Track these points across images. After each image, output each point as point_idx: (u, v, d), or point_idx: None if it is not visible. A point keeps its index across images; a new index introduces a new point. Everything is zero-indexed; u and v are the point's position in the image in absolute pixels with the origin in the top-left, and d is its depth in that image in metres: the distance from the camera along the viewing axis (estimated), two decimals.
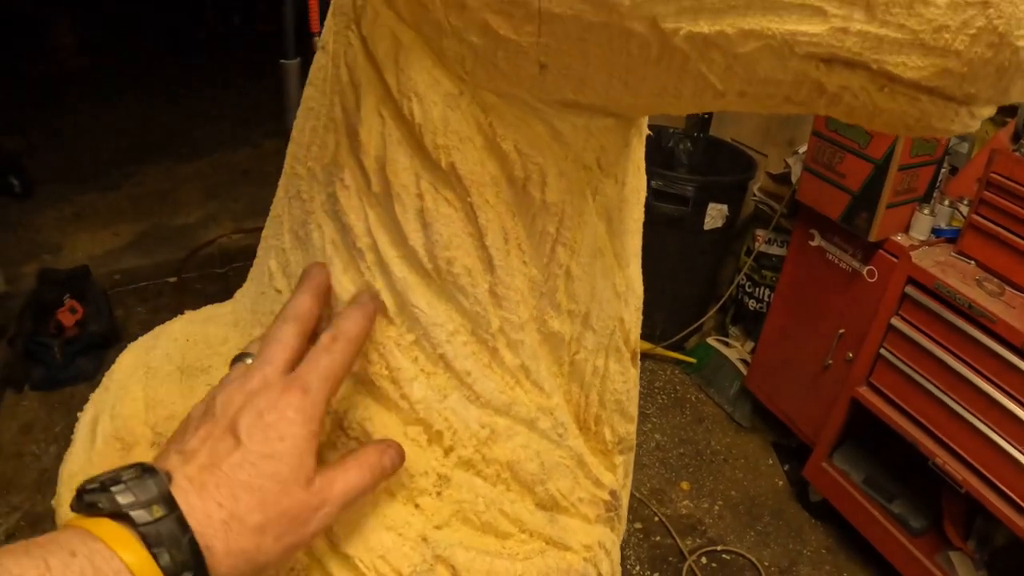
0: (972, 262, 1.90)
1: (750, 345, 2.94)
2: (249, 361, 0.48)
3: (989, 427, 1.76)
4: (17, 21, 7.66)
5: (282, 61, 1.92)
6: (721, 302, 3.00)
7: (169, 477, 0.40)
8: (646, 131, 0.58)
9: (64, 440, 2.55)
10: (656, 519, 2.37)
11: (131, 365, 0.61)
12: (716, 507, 2.45)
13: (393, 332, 0.50)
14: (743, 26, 0.36)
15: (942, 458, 1.86)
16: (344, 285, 0.51)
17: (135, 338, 0.65)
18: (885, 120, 0.38)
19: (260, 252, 0.60)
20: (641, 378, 3.11)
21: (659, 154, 3.23)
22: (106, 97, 6.27)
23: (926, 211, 1.99)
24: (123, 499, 0.38)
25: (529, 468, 0.53)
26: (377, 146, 0.48)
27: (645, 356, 3.12)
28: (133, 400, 0.57)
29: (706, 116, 3.27)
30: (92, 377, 2.80)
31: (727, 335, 3.14)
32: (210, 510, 0.40)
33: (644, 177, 0.60)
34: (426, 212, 0.47)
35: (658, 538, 2.32)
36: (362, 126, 0.48)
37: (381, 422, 0.50)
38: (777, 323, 2.53)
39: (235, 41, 7.59)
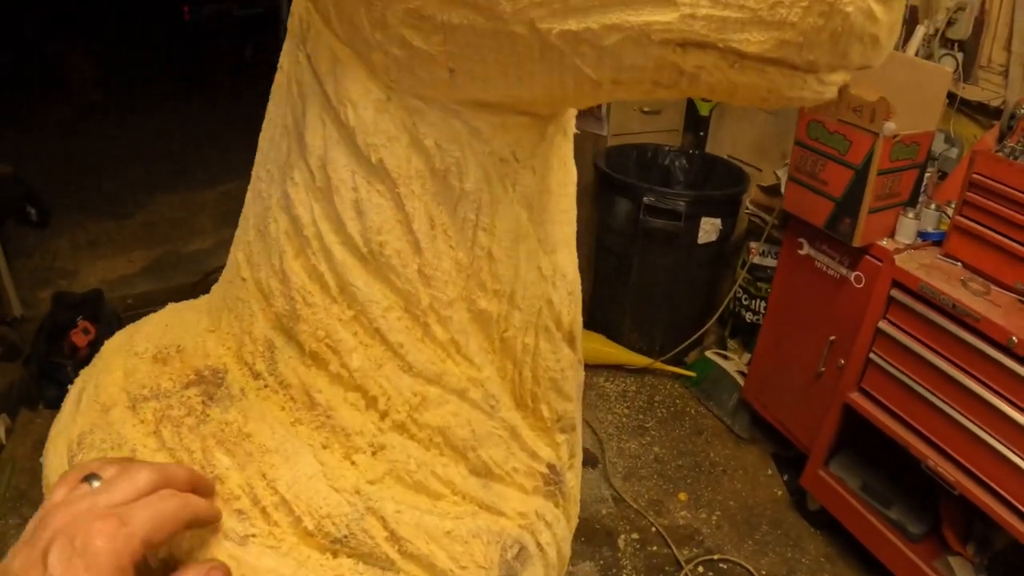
0: (958, 263, 1.94)
1: (747, 357, 2.98)
2: (96, 484, 0.46)
3: (978, 426, 1.78)
4: (35, 54, 7.90)
5: None
6: (717, 315, 3.04)
7: None
8: (572, 131, 0.64)
9: None
10: (653, 529, 2.40)
11: (117, 345, 0.68)
12: (714, 517, 2.48)
13: (336, 309, 0.56)
14: (605, 21, 0.42)
15: (934, 460, 1.88)
16: (295, 270, 0.57)
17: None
18: (743, 94, 0.44)
19: (232, 248, 0.66)
20: (641, 392, 3.15)
21: (656, 172, 3.30)
22: (121, 128, 6.45)
23: (911, 215, 2.03)
24: None
25: (460, 434, 0.58)
26: (319, 147, 0.54)
27: (645, 371, 3.16)
28: (114, 372, 0.64)
29: (702, 133, 3.34)
30: None
31: (726, 348, 3.18)
32: None
33: (572, 171, 0.66)
34: (360, 202, 0.53)
35: (655, 548, 2.34)
36: (307, 131, 0.55)
37: (324, 389, 0.56)
38: (771, 333, 2.57)
39: (247, 73, 7.78)
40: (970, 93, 2.31)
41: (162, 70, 7.88)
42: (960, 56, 2.32)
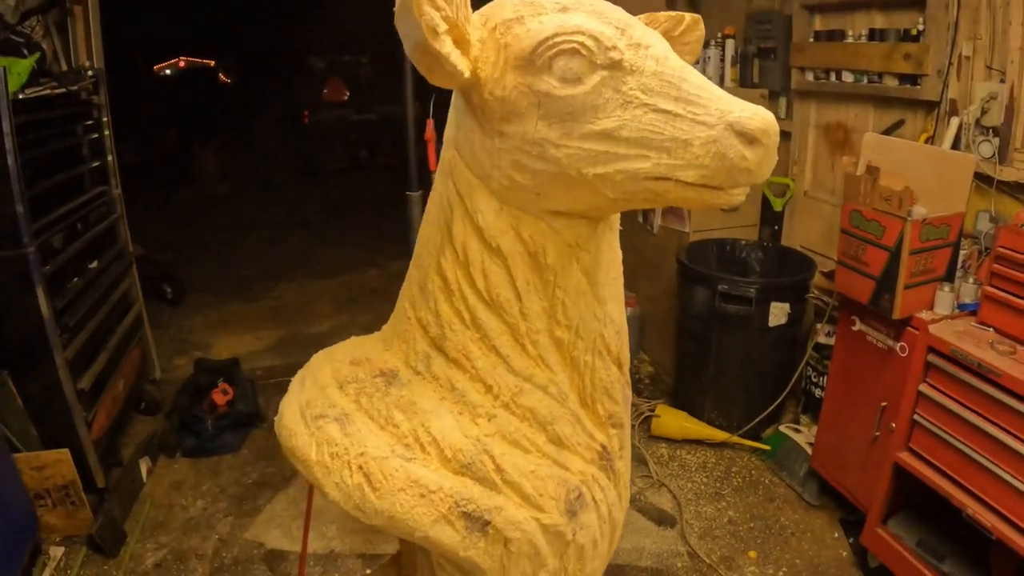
0: (990, 329, 2.15)
1: (815, 429, 3.17)
2: None
3: (1010, 474, 1.95)
4: (168, 152, 8.91)
5: (407, 192, 2.49)
6: (785, 392, 3.26)
7: None
8: (617, 225, 1.02)
9: (210, 497, 3.06)
10: None
11: (321, 358, 1.11)
12: (780, 573, 2.66)
13: (469, 334, 0.94)
14: (615, 167, 0.81)
15: (973, 508, 2.06)
16: (445, 311, 0.95)
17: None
18: (690, 203, 0.82)
19: (399, 299, 1.05)
20: (719, 464, 3.42)
21: (734, 263, 3.62)
22: (246, 220, 7.19)
23: (947, 289, 2.27)
24: None
25: (543, 414, 0.94)
26: (461, 237, 0.93)
27: (724, 445, 3.38)
28: (324, 370, 1.05)
29: (777, 227, 3.66)
30: (236, 450, 3.33)
31: (799, 423, 3.38)
32: None
33: (618, 251, 1.03)
34: (486, 270, 0.91)
35: None
36: (454, 227, 0.94)
37: (460, 381, 0.93)
38: (832, 404, 2.79)
39: (362, 173, 8.53)
40: (1006, 174, 2.52)
41: (283, 169, 8.74)
42: (995, 141, 2.55)
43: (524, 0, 0.87)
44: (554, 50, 0.82)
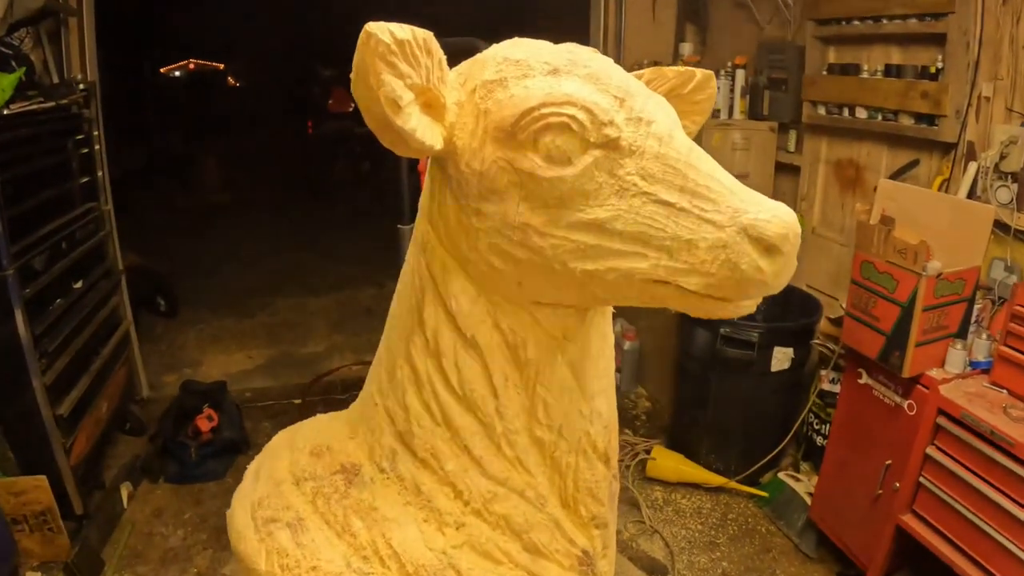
0: (1004, 391, 2.06)
1: (816, 479, 3.07)
2: None
3: (1016, 545, 1.85)
4: (169, 159, 8.85)
5: (399, 226, 2.40)
6: (787, 439, 3.15)
7: None
8: (610, 312, 0.92)
9: (190, 526, 2.96)
10: None
11: (282, 441, 1.00)
12: None
13: (439, 432, 0.84)
14: (607, 265, 0.71)
15: None
16: (413, 403, 0.86)
17: (261, 447, 1.02)
18: (691, 310, 0.71)
19: (366, 383, 0.96)
20: (715, 510, 3.31)
21: None
22: (245, 231, 7.11)
23: (959, 346, 2.17)
24: None
25: (518, 521, 0.84)
26: (433, 323, 0.84)
27: (720, 489, 3.28)
28: (282, 459, 0.94)
29: None
30: (220, 477, 3.23)
31: (799, 470, 3.28)
32: None
33: (610, 340, 0.93)
34: (459, 363, 0.82)
35: None
36: (425, 311, 0.85)
37: (427, 483, 0.83)
38: (835, 457, 2.69)
39: (364, 187, 8.43)
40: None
41: (284, 179, 8.67)
42: (1014, 187, 2.43)
43: (509, 58, 0.75)
44: (540, 123, 0.70)
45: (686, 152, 0.71)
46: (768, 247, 0.65)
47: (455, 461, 0.83)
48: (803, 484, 3.10)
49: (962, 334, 2.25)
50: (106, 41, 3.47)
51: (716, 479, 3.26)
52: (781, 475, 3.22)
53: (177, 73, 13.16)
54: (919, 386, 2.23)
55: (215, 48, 12.75)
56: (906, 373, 2.18)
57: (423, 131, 0.70)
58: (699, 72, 0.90)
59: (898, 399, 2.32)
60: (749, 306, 0.70)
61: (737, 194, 0.68)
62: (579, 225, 0.71)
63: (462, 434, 0.83)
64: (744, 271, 0.65)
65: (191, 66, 13.22)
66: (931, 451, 2.14)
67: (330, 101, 9.33)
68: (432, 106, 0.72)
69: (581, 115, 0.70)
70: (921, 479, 2.18)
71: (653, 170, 0.69)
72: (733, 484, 3.25)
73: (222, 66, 13.47)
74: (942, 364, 2.23)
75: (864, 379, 2.46)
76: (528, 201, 0.72)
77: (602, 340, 0.91)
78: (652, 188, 0.69)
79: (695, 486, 3.31)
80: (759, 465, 3.24)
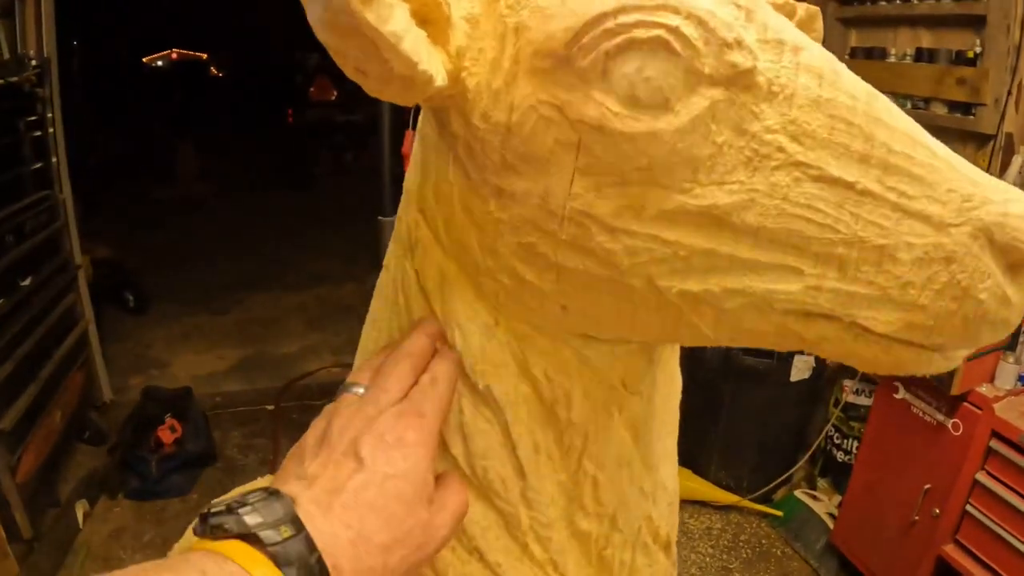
0: None
1: (837, 499, 2.83)
2: (359, 391, 0.50)
3: None
4: (146, 145, 8.53)
5: (379, 218, 2.11)
6: (808, 454, 2.92)
7: (293, 500, 0.41)
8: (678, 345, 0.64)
9: (152, 549, 2.67)
10: None
11: None
12: None
13: None
14: (726, 285, 0.42)
15: None
16: None
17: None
18: (862, 362, 0.43)
19: None
20: (726, 531, 3.03)
21: None
22: (222, 224, 6.80)
23: (1011, 359, 1.95)
24: (251, 520, 0.39)
25: None
26: None
27: (731, 508, 3.03)
28: None
29: None
30: (184, 493, 2.94)
31: (815, 487, 3.04)
32: (337, 530, 0.41)
33: (678, 382, 0.66)
34: (466, 426, 0.54)
35: None
36: None
37: None
38: (863, 477, 2.45)
39: (347, 178, 8.13)
40: None
41: (263, 170, 8.34)
42: None
43: None
44: (617, 39, 0.39)
45: (865, 98, 0.41)
46: (1020, 262, 0.38)
47: (459, 569, 0.55)
48: (823, 504, 2.86)
49: (1012, 346, 2.01)
50: (84, 26, 3.18)
51: (727, 497, 3.01)
52: (797, 493, 2.97)
53: (160, 63, 13.02)
54: (967, 404, 1.98)
55: (198, 37, 12.53)
56: (956, 390, 1.94)
57: (414, 44, 0.38)
58: (802, 6, 0.62)
59: (941, 417, 2.07)
60: (959, 358, 0.43)
61: (961, 171, 0.39)
62: (680, 216, 0.42)
63: (470, 530, 0.55)
64: (983, 302, 0.37)
65: (174, 55, 13.05)
66: (981, 476, 1.90)
67: (312, 88, 9.02)
68: (430, 21, 0.41)
69: (688, 28, 0.38)
70: (968, 507, 1.94)
71: (812, 125, 0.39)
72: (745, 502, 3.00)
73: (205, 56, 13.24)
74: (991, 379, 1.99)
75: (901, 394, 2.21)
76: (590, 174, 0.42)
77: (669, 383, 0.63)
78: (812, 156, 0.40)
79: (703, 504, 3.06)
80: (776, 482, 3.00)
